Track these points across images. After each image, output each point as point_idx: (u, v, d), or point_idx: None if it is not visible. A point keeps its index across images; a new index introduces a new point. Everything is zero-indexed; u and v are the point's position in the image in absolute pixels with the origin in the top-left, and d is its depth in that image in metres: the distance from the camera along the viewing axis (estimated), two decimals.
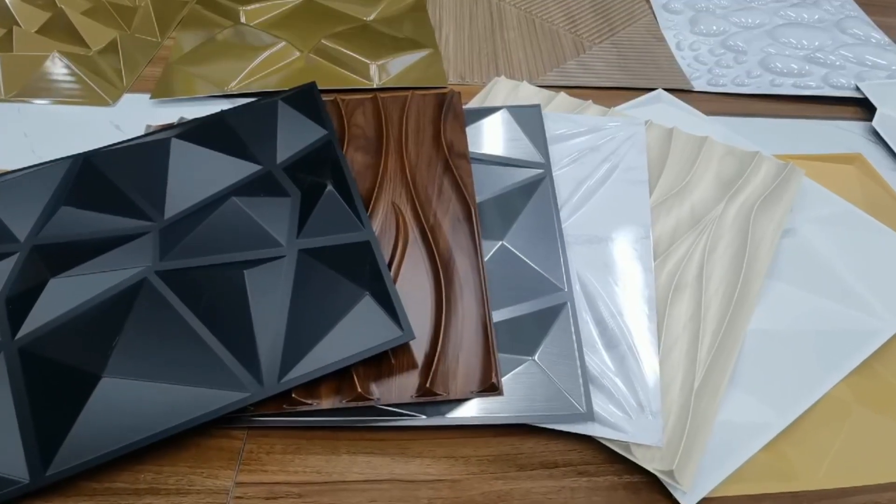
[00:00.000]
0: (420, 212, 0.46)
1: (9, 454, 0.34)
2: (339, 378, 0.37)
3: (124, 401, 0.35)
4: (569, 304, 0.41)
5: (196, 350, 0.37)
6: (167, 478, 0.35)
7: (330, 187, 0.46)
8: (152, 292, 0.41)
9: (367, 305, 0.38)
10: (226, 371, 0.36)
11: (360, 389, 0.36)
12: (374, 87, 0.65)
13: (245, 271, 0.41)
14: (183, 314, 0.39)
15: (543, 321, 0.40)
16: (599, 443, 0.37)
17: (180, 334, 0.38)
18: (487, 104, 0.61)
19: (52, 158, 0.51)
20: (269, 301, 0.39)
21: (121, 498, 0.34)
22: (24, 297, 0.41)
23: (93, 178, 0.50)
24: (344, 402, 0.36)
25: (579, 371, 0.38)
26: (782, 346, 0.42)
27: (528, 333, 0.40)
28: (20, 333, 0.39)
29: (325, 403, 0.36)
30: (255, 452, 0.37)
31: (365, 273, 0.40)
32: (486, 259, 0.44)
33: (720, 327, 0.41)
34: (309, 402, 0.36)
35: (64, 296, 0.41)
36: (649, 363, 0.39)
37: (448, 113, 0.55)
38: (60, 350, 0.38)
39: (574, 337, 0.40)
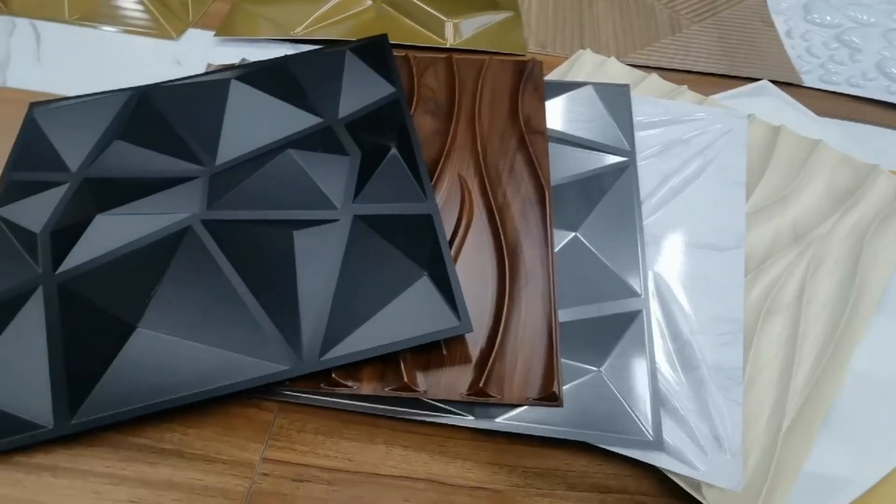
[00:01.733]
0: (488, 188, 0.42)
1: (36, 397, 0.32)
2: (384, 362, 0.34)
3: (157, 356, 0.33)
4: (644, 312, 0.37)
5: (235, 312, 0.34)
6: (193, 441, 0.33)
7: (394, 151, 0.42)
8: (195, 242, 0.38)
9: (423, 287, 0.35)
10: (264, 339, 0.34)
11: (406, 379, 0.33)
12: (447, 46, 0.60)
13: (294, 232, 0.37)
14: (225, 270, 0.36)
15: (614, 328, 0.36)
16: (660, 472, 0.33)
17: (220, 292, 0.35)
18: (569, 79, 0.55)
19: (110, 89, 0.49)
20: (317, 268, 0.36)
21: (144, 455, 0.33)
22: (69, 231, 0.39)
23: (149, 113, 0.47)
24: (387, 390, 0.33)
25: (650, 391, 0.33)
26: (882, 391, 0.37)
27: (596, 340, 0.36)
28: (61, 268, 0.38)
29: (366, 388, 0.33)
30: (285, 428, 0.34)
31: (424, 250, 0.36)
32: (555, 250, 0.39)
33: (820, 361, 0.36)
34: (349, 384, 0.33)
35: (108, 234, 0.39)
36: (732, 392, 0.34)
37: (527, 84, 0.50)
38: (99, 293, 0.36)
39: (647, 351, 0.35)
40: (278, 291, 0.35)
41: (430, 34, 0.61)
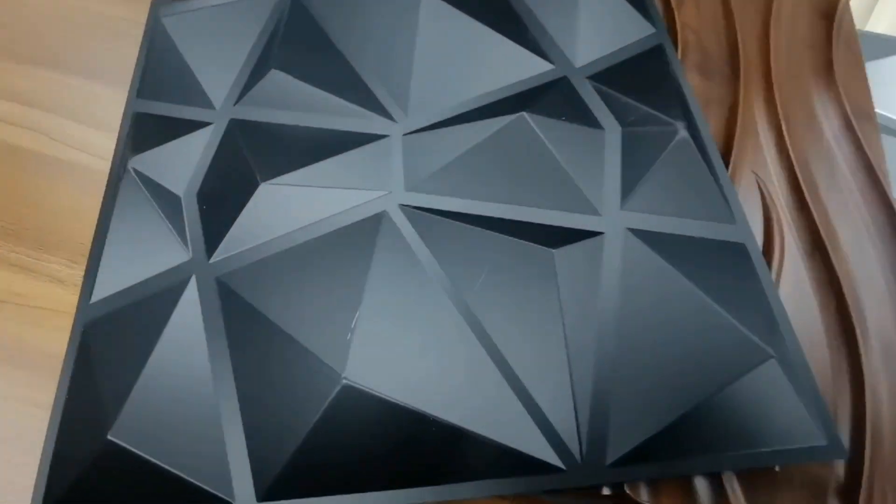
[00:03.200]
0: (808, 201, 0.29)
1: (206, 456, 0.23)
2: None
3: (365, 420, 0.23)
4: None
5: (467, 365, 0.24)
6: None
7: (683, 133, 0.28)
8: (396, 239, 0.27)
9: (769, 375, 0.23)
10: (515, 414, 0.23)
11: None
12: None
13: (555, 252, 0.26)
14: (449, 296, 0.25)
15: None
16: None
17: (445, 331, 0.24)
18: (868, 28, 0.39)
19: None
20: (584, 310, 0.25)
21: None
22: (223, 201, 0.29)
23: (308, 30, 0.34)
24: None
25: None
26: None
27: None
28: (216, 256, 0.28)
29: None
30: None
31: (750, 307, 0.24)
32: None
33: None
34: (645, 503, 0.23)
35: (274, 214, 0.28)
36: None
37: (839, 37, 0.34)
38: (274, 303, 0.26)
39: None
40: (533, 343, 0.24)
41: None
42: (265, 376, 0.24)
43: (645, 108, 0.30)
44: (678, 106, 0.30)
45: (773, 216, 0.29)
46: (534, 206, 0.27)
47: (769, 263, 0.27)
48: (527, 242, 0.26)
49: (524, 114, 0.29)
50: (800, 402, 0.22)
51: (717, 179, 0.28)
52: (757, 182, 0.30)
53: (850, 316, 0.26)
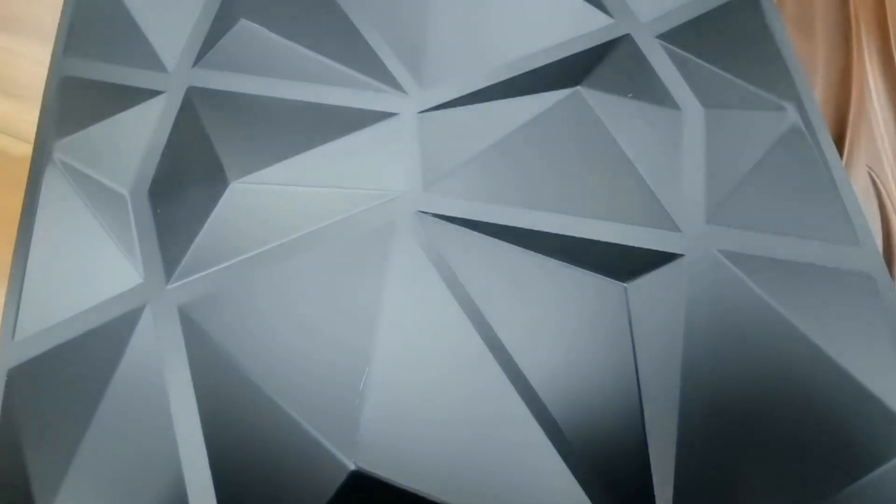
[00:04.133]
0: None
1: None
2: None
3: None
4: None
5: (527, 449, 0.18)
6: None
7: (792, 116, 0.21)
8: (415, 265, 0.21)
9: None
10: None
11: None
12: None
13: (627, 286, 0.19)
14: (489, 347, 0.19)
15: None
16: None
17: (494, 395, 0.19)
18: None
19: None
20: (664, 366, 0.19)
21: None
22: (184, 203, 0.22)
23: None
24: None
25: None
26: None
27: None
28: (176, 280, 0.21)
29: None
30: None
31: (884, 367, 0.19)
32: None
33: None
34: None
35: (252, 224, 0.21)
36: None
37: None
38: (251, 347, 0.20)
39: None
40: (597, 412, 0.19)
41: None
42: (249, 455, 0.18)
43: (736, 80, 0.23)
44: (781, 78, 0.23)
45: (893, 227, 0.22)
46: (593, 216, 0.21)
47: None
48: (589, 272, 0.20)
49: (580, 89, 0.22)
50: None
51: (834, 183, 0.21)
52: (872, 179, 0.23)
53: None
